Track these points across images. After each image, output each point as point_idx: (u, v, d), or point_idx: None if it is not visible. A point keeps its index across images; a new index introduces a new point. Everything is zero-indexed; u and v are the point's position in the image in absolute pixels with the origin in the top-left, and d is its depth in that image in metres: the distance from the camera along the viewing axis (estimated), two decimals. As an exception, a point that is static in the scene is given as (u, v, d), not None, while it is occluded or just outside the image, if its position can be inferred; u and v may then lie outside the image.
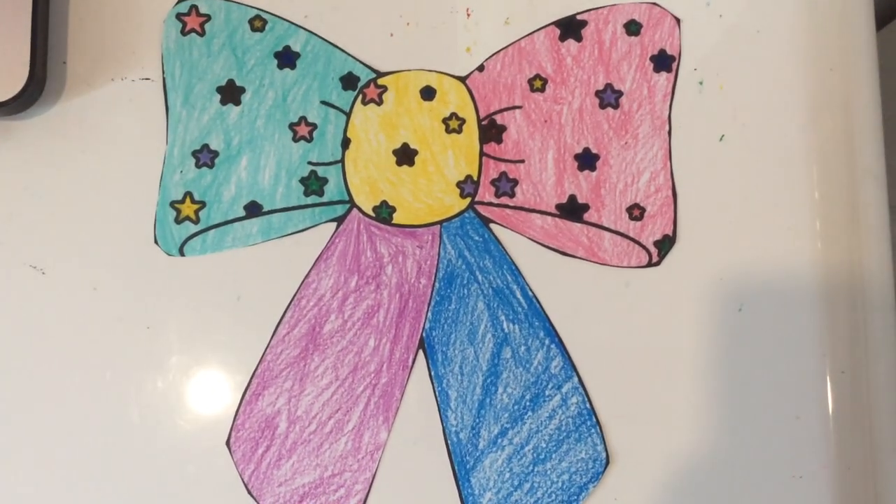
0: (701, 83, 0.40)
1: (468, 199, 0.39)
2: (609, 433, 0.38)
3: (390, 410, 0.38)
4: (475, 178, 0.39)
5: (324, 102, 0.39)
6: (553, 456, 0.37)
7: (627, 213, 0.39)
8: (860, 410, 0.38)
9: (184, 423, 0.38)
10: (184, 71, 0.39)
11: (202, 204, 0.39)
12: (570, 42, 0.40)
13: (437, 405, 0.38)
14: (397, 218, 0.39)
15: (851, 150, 0.39)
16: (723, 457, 0.38)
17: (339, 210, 0.39)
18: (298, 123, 0.39)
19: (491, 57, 0.40)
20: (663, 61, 0.40)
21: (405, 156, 0.39)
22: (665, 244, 0.39)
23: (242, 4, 0.40)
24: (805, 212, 0.39)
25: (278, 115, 0.39)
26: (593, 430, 0.38)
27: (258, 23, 0.40)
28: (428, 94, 0.39)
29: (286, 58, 0.39)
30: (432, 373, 0.38)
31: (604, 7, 0.40)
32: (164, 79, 0.39)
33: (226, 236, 0.38)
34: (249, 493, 0.37)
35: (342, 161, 0.39)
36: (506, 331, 0.38)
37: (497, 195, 0.39)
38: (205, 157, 0.39)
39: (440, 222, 0.39)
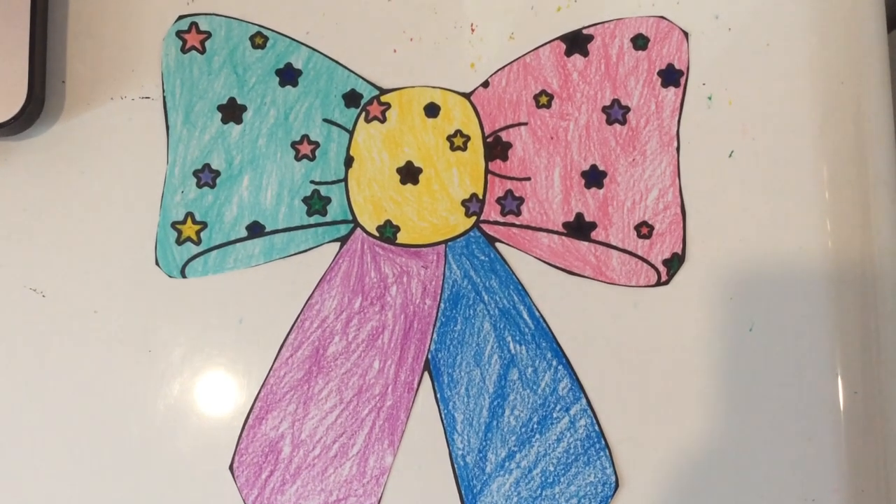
0: (710, 98, 0.39)
1: (473, 218, 0.38)
2: (618, 456, 0.37)
3: (396, 434, 0.37)
4: (480, 197, 0.38)
5: (326, 120, 0.39)
6: (561, 479, 0.37)
7: (636, 232, 0.38)
8: (874, 431, 0.37)
9: (186, 447, 0.37)
10: (184, 89, 0.39)
11: (203, 224, 0.38)
12: (577, 57, 0.39)
13: (444, 428, 0.37)
14: (401, 237, 0.38)
15: (863, 164, 0.39)
16: (734, 479, 0.37)
17: (343, 230, 0.38)
18: (301, 142, 0.39)
19: (496, 73, 0.39)
20: (671, 76, 0.39)
21: (409, 174, 0.39)
22: (674, 263, 0.38)
23: (243, 21, 0.39)
24: (817, 228, 0.38)
25: (280, 133, 0.39)
26: (602, 453, 0.37)
27: (259, 40, 0.39)
28: (432, 110, 0.39)
29: (288, 75, 0.39)
30: (438, 395, 0.37)
31: (610, 21, 0.39)
32: (164, 97, 0.39)
33: (228, 257, 0.38)
34: (253, 518, 0.37)
35: (345, 180, 0.38)
36: (512, 352, 0.38)
37: (503, 213, 0.38)
38: (206, 176, 0.38)
39: (445, 242, 0.38)
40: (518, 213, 0.38)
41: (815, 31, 0.39)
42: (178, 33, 0.39)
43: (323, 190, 0.38)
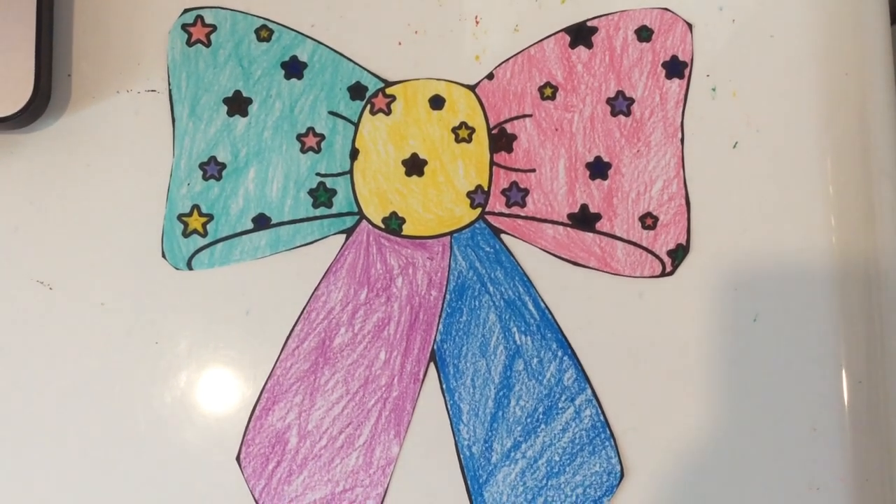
0: (714, 89, 0.39)
1: (479, 210, 0.39)
2: (623, 446, 0.37)
3: (402, 424, 0.37)
4: (485, 188, 0.39)
5: (332, 113, 0.39)
6: (567, 469, 0.37)
7: (640, 223, 0.38)
8: (878, 421, 0.37)
9: (193, 438, 0.37)
10: (190, 82, 0.39)
11: (210, 217, 0.38)
12: (581, 49, 0.39)
13: (449, 419, 0.37)
14: (407, 229, 0.38)
15: (867, 155, 0.39)
16: (739, 469, 0.37)
17: (349, 222, 0.38)
18: (306, 134, 0.39)
19: (500, 65, 0.39)
20: (675, 67, 0.39)
21: (414, 166, 0.39)
22: (679, 253, 0.38)
23: (248, 14, 0.39)
24: (821, 220, 0.38)
25: (286, 126, 0.39)
26: (607, 443, 0.37)
27: (264, 32, 0.39)
28: (437, 103, 0.39)
29: (293, 68, 0.39)
30: (444, 386, 0.38)
31: (614, 13, 0.39)
32: (169, 90, 0.39)
33: (234, 249, 0.38)
34: (260, 509, 0.37)
35: (351, 172, 0.39)
36: (518, 343, 0.38)
37: (508, 205, 0.39)
38: (212, 169, 0.38)
39: (450, 233, 0.38)
40: (523, 205, 0.39)
41: (819, 22, 0.39)
42: (184, 26, 0.39)
43: (328, 182, 0.38)
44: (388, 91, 0.39)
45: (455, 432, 0.37)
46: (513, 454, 0.37)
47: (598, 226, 0.38)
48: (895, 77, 0.40)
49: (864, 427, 0.37)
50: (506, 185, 0.39)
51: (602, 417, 0.37)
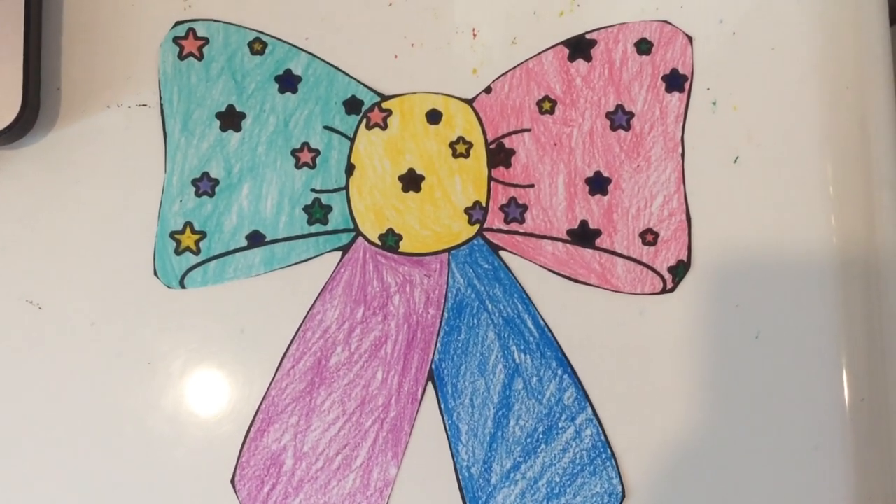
0: (714, 103, 0.39)
1: (477, 226, 0.38)
2: (624, 465, 0.37)
3: (399, 445, 0.37)
4: (483, 204, 0.38)
5: (327, 127, 0.38)
6: (567, 490, 0.36)
7: (640, 239, 0.38)
8: (881, 439, 0.37)
9: (186, 461, 0.36)
10: (182, 96, 0.38)
11: (203, 234, 0.37)
12: (580, 62, 0.39)
13: (448, 439, 0.37)
14: (404, 246, 0.38)
15: (869, 169, 0.39)
16: (741, 489, 0.37)
17: (344, 239, 0.38)
18: (301, 149, 0.38)
19: (498, 78, 0.39)
20: (675, 81, 0.39)
21: (411, 181, 0.38)
22: (679, 270, 0.38)
23: (241, 27, 0.38)
24: (823, 235, 0.38)
25: (280, 141, 0.38)
26: (608, 463, 0.37)
27: (258, 46, 0.38)
28: (434, 117, 0.38)
29: (287, 82, 0.38)
30: (442, 406, 0.37)
31: (613, 26, 0.39)
32: (161, 105, 0.38)
33: (227, 267, 0.37)
34: (255, 532, 0.36)
35: (346, 188, 0.38)
36: (517, 361, 0.37)
37: (506, 221, 0.38)
38: (205, 185, 0.38)
39: (448, 250, 0.38)
40: (522, 221, 0.38)
41: (820, 35, 0.39)
42: (176, 39, 0.38)
43: (324, 198, 0.38)
44: (385, 105, 0.38)
45: (454, 453, 0.37)
46: (512, 475, 0.36)
47: (598, 242, 0.38)
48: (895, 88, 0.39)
49: (867, 445, 0.37)
50: (504, 201, 0.38)
51: (603, 437, 0.37)
